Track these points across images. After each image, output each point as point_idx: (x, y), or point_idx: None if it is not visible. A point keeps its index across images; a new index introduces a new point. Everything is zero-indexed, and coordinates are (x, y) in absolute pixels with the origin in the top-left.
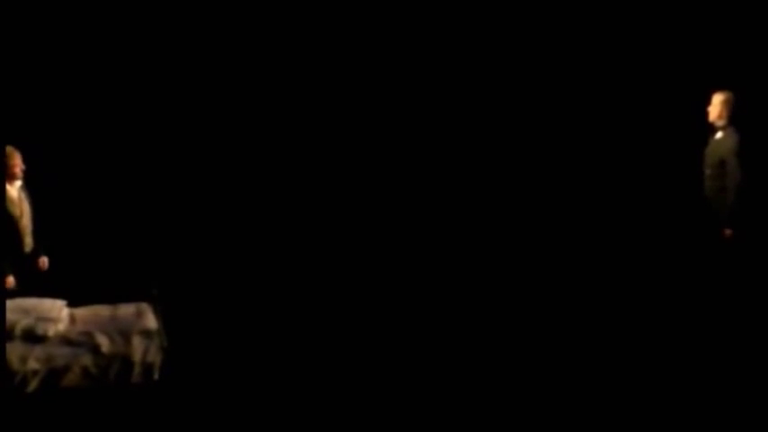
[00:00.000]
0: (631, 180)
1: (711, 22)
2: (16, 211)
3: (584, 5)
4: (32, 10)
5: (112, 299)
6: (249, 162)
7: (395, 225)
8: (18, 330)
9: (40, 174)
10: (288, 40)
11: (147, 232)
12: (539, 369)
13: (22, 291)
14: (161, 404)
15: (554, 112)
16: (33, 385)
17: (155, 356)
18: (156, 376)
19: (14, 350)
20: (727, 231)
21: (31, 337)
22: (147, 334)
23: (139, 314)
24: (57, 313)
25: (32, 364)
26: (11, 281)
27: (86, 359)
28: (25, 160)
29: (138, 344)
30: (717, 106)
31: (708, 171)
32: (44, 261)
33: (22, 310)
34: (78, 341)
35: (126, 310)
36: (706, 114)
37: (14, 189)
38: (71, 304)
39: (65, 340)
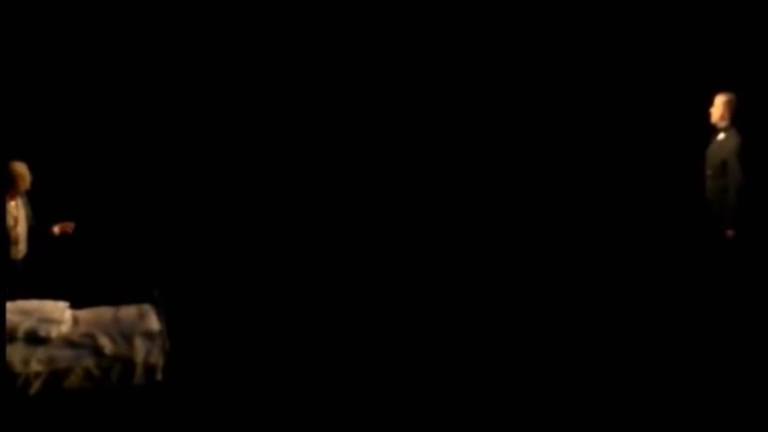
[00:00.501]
0: (634, 181)
1: (714, 24)
2: (10, 221)
3: (585, 7)
4: (33, 10)
5: (115, 300)
6: (251, 164)
7: (396, 224)
8: (20, 332)
9: (42, 176)
10: (288, 40)
11: (149, 234)
12: (540, 369)
13: (12, 296)
14: (163, 406)
15: (556, 113)
16: (36, 387)
17: (157, 358)
18: (158, 378)
19: (17, 352)
20: (729, 232)
21: (34, 338)
22: (149, 335)
23: (142, 316)
24: (59, 315)
25: (35, 366)
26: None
27: (89, 361)
28: (28, 163)
29: (140, 345)
30: (719, 107)
31: (709, 172)
32: (68, 226)
33: (24, 311)
34: (81, 343)
35: (128, 311)
36: (708, 116)
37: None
38: (73, 306)
39: (67, 342)
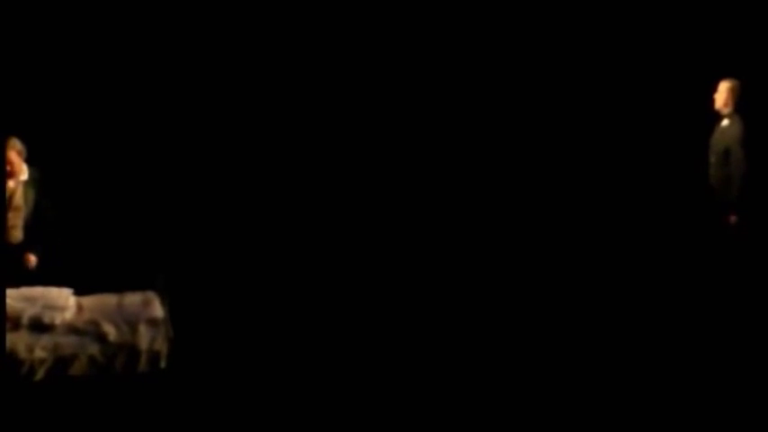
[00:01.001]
0: (637, 168)
1: (718, 10)
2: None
3: None
4: (34, 10)
5: (119, 287)
6: (255, 153)
7: (398, 218)
8: (25, 319)
9: (47, 164)
10: (293, 40)
11: (154, 221)
12: (547, 356)
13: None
14: (168, 393)
15: (559, 98)
16: (40, 374)
17: (161, 345)
18: (162, 365)
19: (21, 339)
20: (732, 218)
21: (38, 325)
22: (153, 323)
23: (146, 303)
24: (63, 302)
25: (39, 353)
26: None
27: (93, 348)
28: (32, 150)
29: (144, 333)
30: (723, 94)
31: (713, 159)
32: (31, 259)
33: (28, 298)
34: (85, 330)
35: (133, 298)
36: (712, 102)
37: (14, 182)
38: (78, 293)
39: (71, 329)
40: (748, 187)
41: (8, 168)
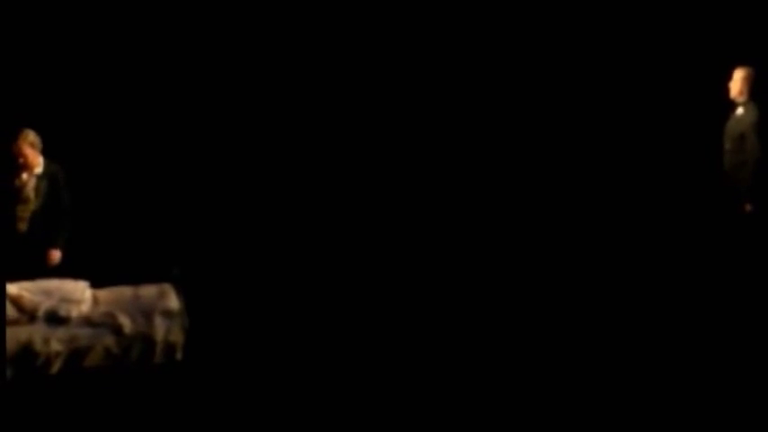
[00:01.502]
0: (653, 156)
1: (733, 2)
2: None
3: None
4: (37, 11)
5: (135, 280)
6: (270, 148)
7: (406, 213)
8: (41, 312)
9: (65, 157)
10: (299, 38)
11: (169, 215)
12: (562, 345)
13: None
14: (183, 384)
15: (575, 87)
16: (56, 366)
17: (177, 337)
18: (178, 356)
19: (37, 331)
20: (747, 206)
21: (54, 318)
22: (169, 314)
23: (161, 295)
24: (79, 294)
25: (55, 346)
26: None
27: (109, 340)
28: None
29: (160, 324)
30: (737, 82)
31: (728, 146)
32: (55, 255)
33: (44, 291)
34: (101, 322)
35: (148, 290)
36: (727, 90)
37: (27, 174)
38: (94, 285)
39: (87, 321)
40: (763, 174)
41: (21, 161)
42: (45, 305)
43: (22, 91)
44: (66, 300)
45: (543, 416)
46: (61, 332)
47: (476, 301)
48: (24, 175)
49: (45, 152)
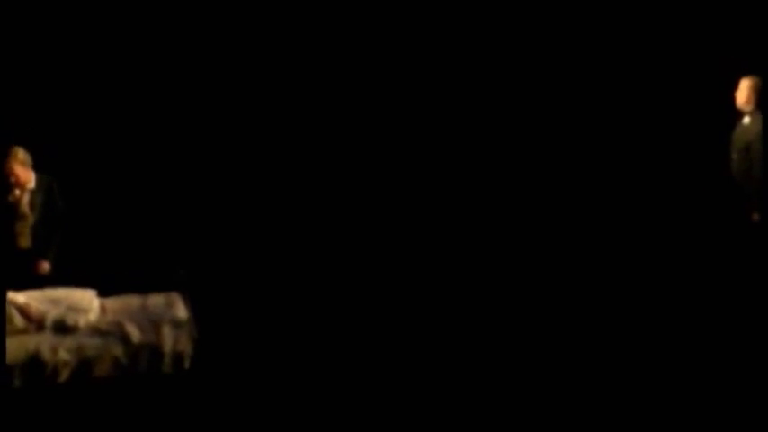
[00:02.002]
0: (661, 165)
1: (739, 9)
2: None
3: None
4: (39, 12)
5: (142, 289)
6: (276, 154)
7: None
8: (49, 321)
9: (69, 167)
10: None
11: (177, 225)
12: (569, 341)
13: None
14: (192, 393)
15: (588, 97)
16: (64, 376)
17: (185, 346)
18: (186, 366)
19: (45, 341)
20: (755, 216)
21: (62, 327)
22: (177, 324)
23: (169, 304)
24: (87, 303)
25: (63, 355)
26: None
27: (117, 349)
28: (51, 151)
29: (168, 334)
30: (744, 91)
31: (735, 156)
32: (44, 265)
33: (52, 300)
34: (109, 331)
35: (156, 299)
36: (733, 100)
37: (20, 191)
38: (101, 294)
39: (95, 330)
40: None
41: (12, 179)
42: (53, 314)
43: (21, 99)
44: (74, 309)
45: (541, 415)
46: (69, 341)
47: (483, 300)
48: (17, 192)
49: (42, 164)
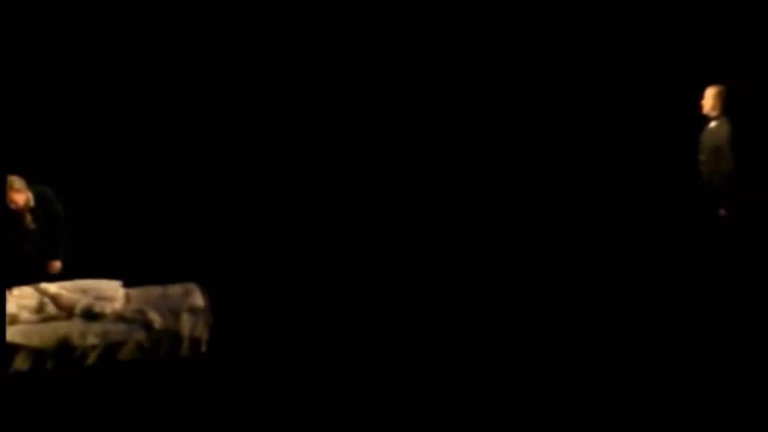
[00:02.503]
0: (636, 165)
1: (706, 26)
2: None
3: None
4: (41, 13)
5: (163, 279)
6: (288, 152)
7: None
8: (78, 309)
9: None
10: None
11: (195, 222)
12: (543, 343)
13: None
14: (208, 375)
15: (556, 103)
16: (92, 359)
17: (202, 332)
18: (203, 349)
19: (75, 327)
20: (722, 211)
21: (90, 314)
22: (194, 311)
23: (187, 293)
24: (113, 293)
25: (91, 340)
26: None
27: (140, 335)
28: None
29: (186, 321)
30: (710, 99)
31: (703, 157)
32: (55, 265)
33: (81, 289)
34: (132, 318)
35: (175, 289)
36: (700, 107)
37: (22, 211)
38: (126, 284)
39: (120, 318)
40: (735, 182)
41: (13, 207)
42: (82, 303)
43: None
44: (101, 298)
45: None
46: (96, 327)
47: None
48: (21, 211)
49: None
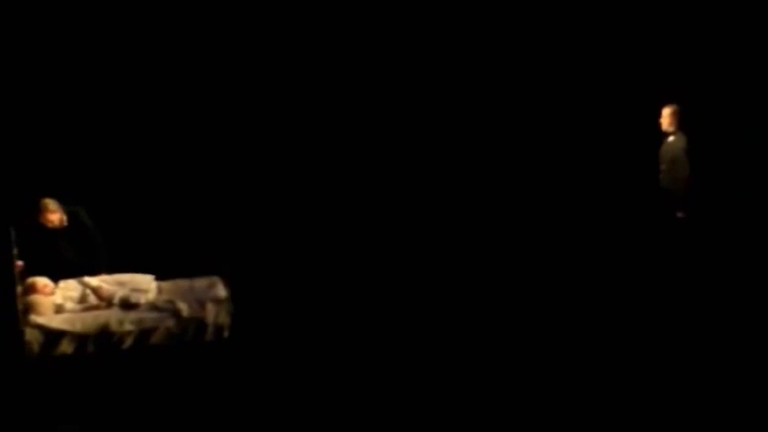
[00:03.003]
0: (603, 175)
1: (663, 55)
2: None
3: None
4: (33, 11)
5: (190, 273)
6: (300, 153)
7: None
8: (116, 299)
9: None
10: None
11: (218, 221)
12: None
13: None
14: (230, 358)
15: (545, 112)
16: (128, 343)
17: (224, 320)
18: (225, 335)
19: (113, 315)
20: (680, 214)
21: (127, 304)
22: (218, 301)
23: (212, 285)
24: (147, 285)
25: (127, 326)
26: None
27: (170, 322)
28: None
29: (210, 309)
30: (667, 117)
31: (663, 166)
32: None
33: (119, 282)
34: (163, 307)
35: (201, 282)
36: (659, 124)
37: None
38: (158, 278)
39: (153, 307)
40: (691, 188)
41: (50, 226)
42: (119, 294)
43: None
44: (136, 289)
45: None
46: (132, 315)
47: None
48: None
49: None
